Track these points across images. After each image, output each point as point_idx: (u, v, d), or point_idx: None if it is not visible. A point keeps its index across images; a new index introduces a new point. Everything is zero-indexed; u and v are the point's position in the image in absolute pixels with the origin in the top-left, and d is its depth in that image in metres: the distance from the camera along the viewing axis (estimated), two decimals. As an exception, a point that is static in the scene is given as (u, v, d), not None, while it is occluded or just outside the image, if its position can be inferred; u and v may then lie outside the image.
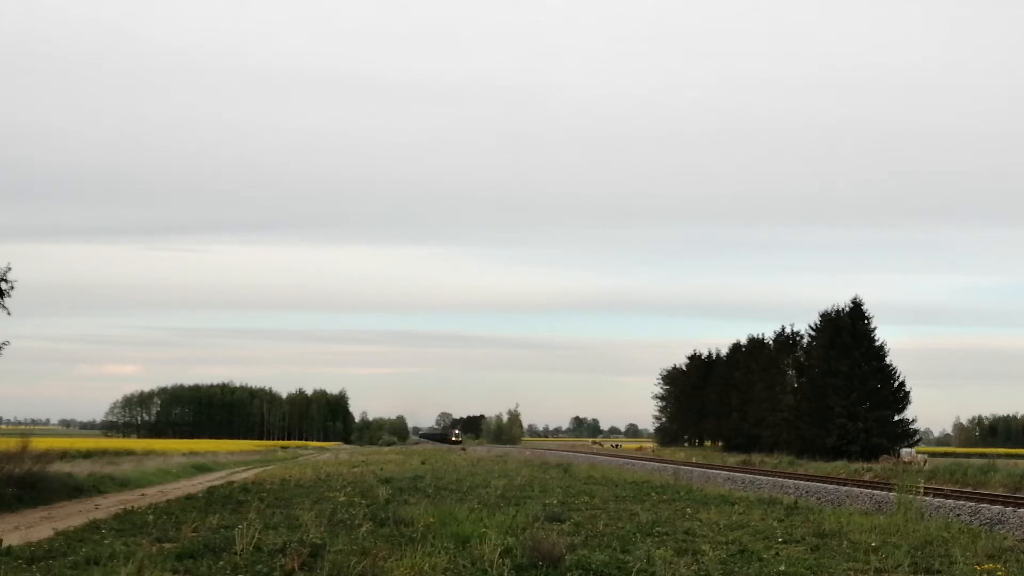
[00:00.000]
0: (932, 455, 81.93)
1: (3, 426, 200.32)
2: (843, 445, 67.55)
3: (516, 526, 16.37)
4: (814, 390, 73.31)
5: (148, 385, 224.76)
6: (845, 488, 29.87)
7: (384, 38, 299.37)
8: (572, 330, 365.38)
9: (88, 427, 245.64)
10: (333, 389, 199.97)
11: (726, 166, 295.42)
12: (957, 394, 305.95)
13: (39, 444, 33.89)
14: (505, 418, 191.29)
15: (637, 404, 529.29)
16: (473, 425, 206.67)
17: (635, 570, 12.37)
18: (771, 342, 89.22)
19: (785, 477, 38.60)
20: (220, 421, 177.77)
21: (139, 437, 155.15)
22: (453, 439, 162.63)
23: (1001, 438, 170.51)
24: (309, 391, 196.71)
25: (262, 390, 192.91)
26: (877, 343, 72.16)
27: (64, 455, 41.67)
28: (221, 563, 12.57)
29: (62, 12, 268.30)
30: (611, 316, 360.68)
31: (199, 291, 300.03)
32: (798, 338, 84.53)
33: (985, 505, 23.20)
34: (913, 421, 72.92)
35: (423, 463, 45.25)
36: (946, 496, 26.72)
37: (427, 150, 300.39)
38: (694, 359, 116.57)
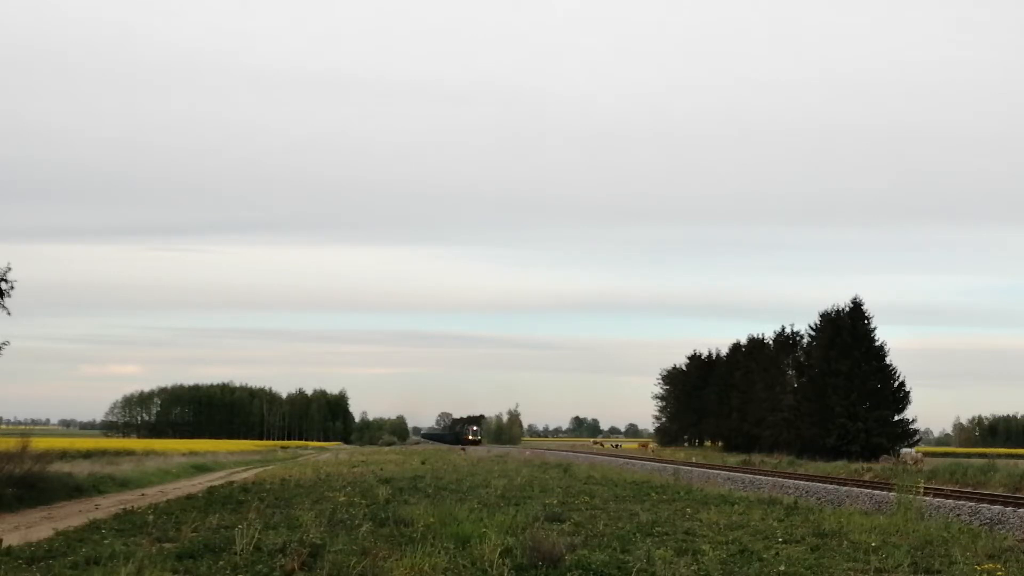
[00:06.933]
0: (932, 455, 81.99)
1: (3, 426, 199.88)
2: (843, 445, 67.58)
3: (516, 526, 16.35)
4: (814, 390, 73.34)
5: (148, 385, 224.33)
6: (845, 488, 29.85)
7: (384, 38, 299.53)
8: (572, 330, 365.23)
9: (88, 427, 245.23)
10: (333, 389, 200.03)
11: (726, 166, 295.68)
12: (957, 394, 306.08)
13: (39, 444, 33.98)
14: (505, 418, 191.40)
15: (637, 404, 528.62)
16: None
17: (635, 570, 12.36)
18: (771, 342, 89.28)
19: (785, 477, 38.59)
20: (220, 421, 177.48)
21: (139, 437, 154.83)
22: (470, 438, 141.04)
23: (1001, 438, 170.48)
24: (309, 391, 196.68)
25: (262, 390, 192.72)
26: (877, 343, 72.27)
27: (64, 455, 41.75)
28: (221, 563, 12.56)
29: (63, 12, 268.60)
30: (611, 316, 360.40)
31: (199, 291, 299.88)
32: (798, 338, 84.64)
33: (985, 505, 23.19)
34: (913, 421, 73.07)
35: (423, 463, 45.24)
36: (946, 496, 26.70)
37: (427, 150, 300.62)
38: (694, 359, 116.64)
